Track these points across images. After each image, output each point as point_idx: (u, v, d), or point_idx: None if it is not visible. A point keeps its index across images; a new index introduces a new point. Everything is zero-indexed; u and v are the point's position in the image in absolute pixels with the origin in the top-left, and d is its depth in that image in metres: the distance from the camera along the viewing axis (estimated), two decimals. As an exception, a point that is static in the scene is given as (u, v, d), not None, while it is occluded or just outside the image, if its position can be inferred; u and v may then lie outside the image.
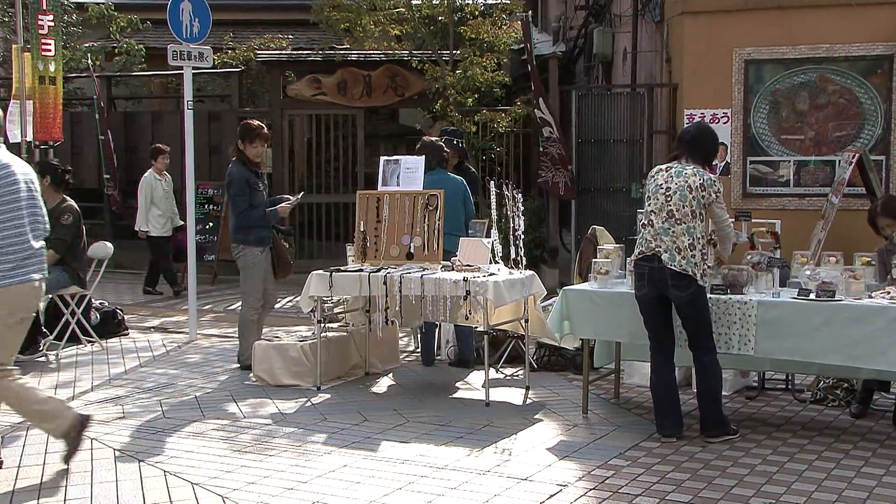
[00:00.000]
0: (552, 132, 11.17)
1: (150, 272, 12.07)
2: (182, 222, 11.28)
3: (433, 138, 8.03)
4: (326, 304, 7.36)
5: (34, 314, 5.23)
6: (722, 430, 5.64)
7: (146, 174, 11.81)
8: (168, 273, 11.90)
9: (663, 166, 5.77)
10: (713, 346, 5.64)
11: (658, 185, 5.65)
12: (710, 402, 5.64)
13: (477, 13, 12.93)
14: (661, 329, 5.71)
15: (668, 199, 5.56)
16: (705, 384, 5.64)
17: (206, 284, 10.09)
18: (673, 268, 5.51)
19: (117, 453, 5.41)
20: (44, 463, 5.24)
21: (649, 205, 5.69)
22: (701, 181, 5.54)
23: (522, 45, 13.54)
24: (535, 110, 11.32)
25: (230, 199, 7.61)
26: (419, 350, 8.13)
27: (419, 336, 8.13)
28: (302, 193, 8.67)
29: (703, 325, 5.60)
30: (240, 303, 7.83)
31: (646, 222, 5.69)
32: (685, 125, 9.73)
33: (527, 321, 6.96)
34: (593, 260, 6.51)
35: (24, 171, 5.02)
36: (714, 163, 6.21)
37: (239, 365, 7.65)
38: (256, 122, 7.65)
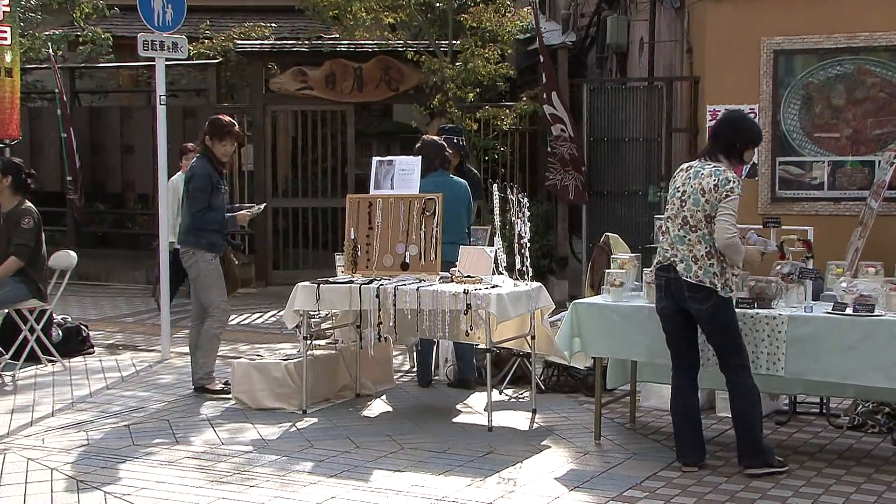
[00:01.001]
0: (564, 130, 11.17)
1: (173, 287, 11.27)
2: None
3: (434, 137, 8.04)
4: (313, 320, 7.35)
5: None
6: (762, 461, 5.53)
7: (173, 178, 10.73)
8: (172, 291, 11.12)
9: (685, 165, 5.78)
10: (743, 365, 5.56)
11: (676, 187, 5.66)
12: (743, 428, 5.56)
13: (478, 0, 12.97)
14: (683, 346, 5.70)
15: (683, 203, 5.56)
16: (737, 408, 5.58)
17: (180, 297, 10.08)
18: (688, 279, 5.50)
19: (80, 485, 5.39)
20: (-1, 495, 5.25)
21: (667, 209, 5.71)
22: (715, 182, 5.48)
23: (528, 35, 13.58)
24: (545, 106, 11.32)
25: (189, 195, 7.49)
26: (415, 370, 8.13)
27: (415, 354, 8.13)
28: (264, 205, 8.68)
29: (728, 340, 5.57)
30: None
31: (663, 229, 5.71)
32: (707, 122, 9.84)
33: (533, 338, 6.97)
34: (606, 270, 6.52)
35: None
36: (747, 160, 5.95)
37: (194, 388, 7.51)
38: (227, 118, 7.66)
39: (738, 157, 5.66)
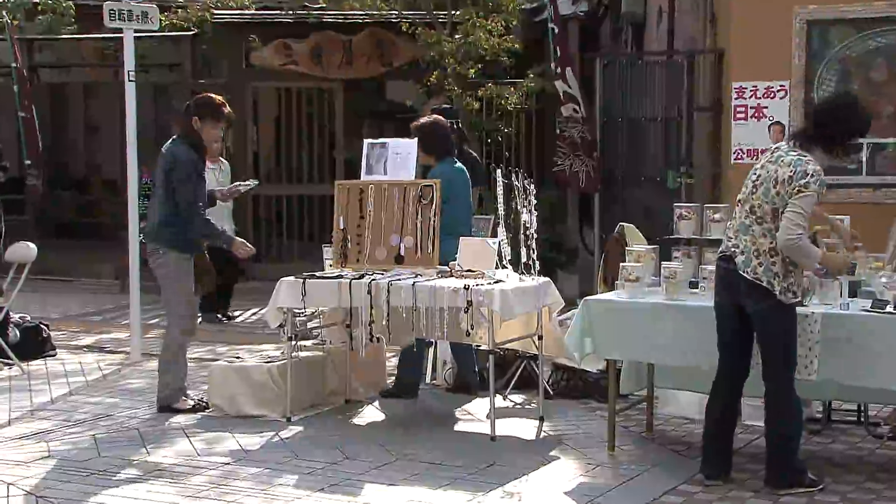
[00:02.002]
0: (577, 111, 11.13)
1: (220, 290, 10.54)
2: (236, 227, 10.48)
3: (435, 116, 7.99)
4: (299, 318, 7.35)
5: None
6: (792, 479, 5.49)
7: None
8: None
9: (779, 144, 5.65)
10: (789, 377, 5.49)
11: (754, 168, 5.56)
12: (777, 447, 5.53)
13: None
14: (734, 346, 5.60)
15: (755, 189, 5.46)
16: (773, 425, 5.53)
17: (152, 294, 10.04)
18: (745, 274, 5.42)
19: (40, 501, 5.40)
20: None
21: (741, 192, 5.61)
22: (790, 173, 5.32)
23: (535, 4, 13.56)
24: (557, 83, 11.27)
25: (172, 184, 7.15)
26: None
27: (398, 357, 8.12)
28: (255, 182, 8.50)
29: (775, 349, 5.48)
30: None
31: (733, 214, 5.65)
32: (733, 100, 9.83)
33: (540, 338, 6.97)
34: (621, 264, 6.52)
35: None
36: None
37: (158, 408, 7.25)
38: (219, 98, 7.46)
39: (842, 150, 5.56)
